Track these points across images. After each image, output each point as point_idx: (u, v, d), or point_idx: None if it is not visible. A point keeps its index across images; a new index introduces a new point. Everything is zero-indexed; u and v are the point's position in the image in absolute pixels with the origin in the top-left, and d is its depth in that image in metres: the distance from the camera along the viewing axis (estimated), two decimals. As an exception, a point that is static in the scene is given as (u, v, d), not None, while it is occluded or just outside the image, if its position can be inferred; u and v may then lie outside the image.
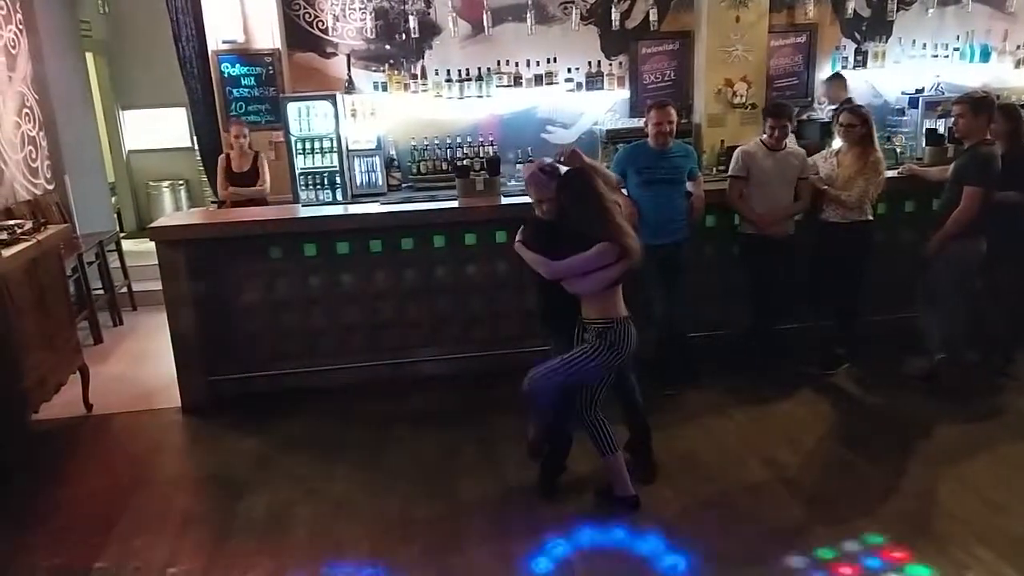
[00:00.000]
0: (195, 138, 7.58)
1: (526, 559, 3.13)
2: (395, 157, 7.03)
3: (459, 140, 6.99)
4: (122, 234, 7.97)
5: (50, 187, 6.51)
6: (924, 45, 7.42)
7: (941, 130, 6.29)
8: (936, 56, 7.44)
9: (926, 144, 6.02)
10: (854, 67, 7.35)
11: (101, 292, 6.53)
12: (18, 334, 4.02)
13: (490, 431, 4.24)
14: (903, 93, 7.43)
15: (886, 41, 7.43)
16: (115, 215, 8.68)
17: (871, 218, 4.69)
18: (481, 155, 6.77)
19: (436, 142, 7.00)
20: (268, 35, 6.75)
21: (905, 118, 7.26)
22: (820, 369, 4.87)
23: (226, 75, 6.79)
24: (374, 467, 3.91)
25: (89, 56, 8.53)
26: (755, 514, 3.42)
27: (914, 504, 3.45)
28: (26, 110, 6.21)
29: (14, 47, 6.09)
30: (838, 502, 3.48)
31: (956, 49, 7.44)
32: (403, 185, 6.94)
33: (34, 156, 6.30)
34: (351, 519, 3.45)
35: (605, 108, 7.32)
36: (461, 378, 4.92)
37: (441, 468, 3.89)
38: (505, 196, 5.25)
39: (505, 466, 3.86)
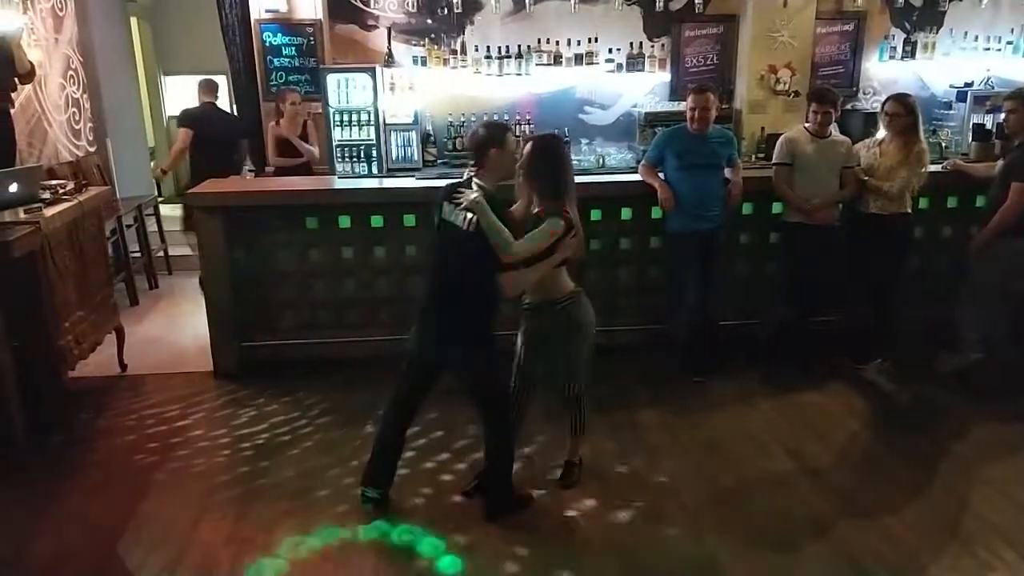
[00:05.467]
0: (235, 106, 7.63)
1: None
2: (431, 132, 7.02)
3: (496, 118, 6.95)
4: (160, 199, 8.08)
5: (92, 149, 6.62)
6: (976, 37, 7.20)
7: (989, 126, 6.13)
8: (988, 49, 7.22)
9: (972, 139, 5.88)
10: (902, 58, 7.17)
11: (138, 255, 6.65)
12: (58, 293, 4.10)
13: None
14: (951, 86, 7.23)
15: (936, 32, 7.23)
16: (154, 180, 8.80)
17: (910, 211, 4.59)
18: (517, 134, 6.73)
19: (473, 119, 6.96)
20: (310, 5, 6.76)
21: (952, 112, 7.07)
22: (852, 362, 4.81)
23: (267, 44, 6.82)
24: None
25: (133, 20, 8.62)
26: (778, 504, 3.40)
27: (941, 502, 3.41)
28: (71, 72, 6.30)
29: (61, 9, 6.17)
30: (863, 497, 3.45)
31: (1010, 43, 7.22)
32: (438, 161, 6.93)
33: (77, 118, 6.40)
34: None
35: (645, 90, 7.23)
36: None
37: (467, 441, 3.91)
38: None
39: (524, 439, 3.85)
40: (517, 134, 6.61)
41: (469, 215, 3.01)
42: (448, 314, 3.14)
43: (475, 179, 3.12)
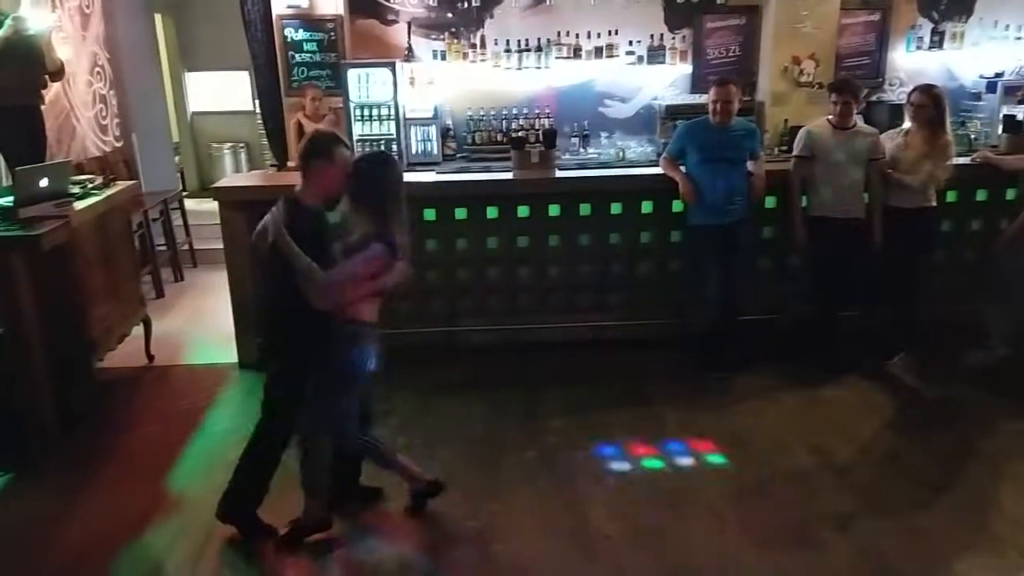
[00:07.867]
0: (257, 102, 7.70)
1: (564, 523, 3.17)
2: (451, 127, 7.04)
3: (515, 111, 6.96)
4: (184, 193, 8.18)
5: (118, 144, 6.71)
6: (1007, 26, 7.07)
7: (1020, 117, 6.02)
8: (1020, 38, 7.09)
9: (1003, 131, 5.77)
10: (930, 48, 7.06)
11: (164, 248, 6.74)
12: (87, 285, 4.18)
13: (535, 402, 4.27)
14: (981, 77, 7.10)
15: (966, 21, 7.10)
16: (178, 174, 8.91)
17: (934, 204, 4.53)
18: (537, 127, 6.74)
19: (492, 113, 6.98)
20: (331, 1, 6.79)
21: (981, 103, 6.95)
22: (876, 358, 4.75)
23: (289, 40, 6.87)
24: (416, 432, 3.97)
25: (158, 17, 8.71)
26: (801, 500, 3.38)
27: (969, 501, 3.36)
28: (97, 69, 6.39)
29: (88, 7, 6.25)
30: (888, 494, 3.42)
31: (1042, 31, 7.09)
32: (458, 155, 6.95)
33: (104, 114, 6.48)
34: (392, 479, 3.50)
35: (666, 83, 7.19)
36: (507, 348, 4.95)
37: (483, 437, 3.93)
38: (560, 169, 5.23)
39: (545, 436, 3.90)
40: (538, 128, 6.64)
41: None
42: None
43: (287, 196, 2.90)
